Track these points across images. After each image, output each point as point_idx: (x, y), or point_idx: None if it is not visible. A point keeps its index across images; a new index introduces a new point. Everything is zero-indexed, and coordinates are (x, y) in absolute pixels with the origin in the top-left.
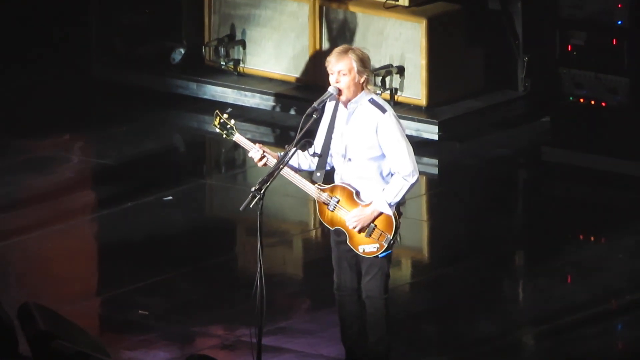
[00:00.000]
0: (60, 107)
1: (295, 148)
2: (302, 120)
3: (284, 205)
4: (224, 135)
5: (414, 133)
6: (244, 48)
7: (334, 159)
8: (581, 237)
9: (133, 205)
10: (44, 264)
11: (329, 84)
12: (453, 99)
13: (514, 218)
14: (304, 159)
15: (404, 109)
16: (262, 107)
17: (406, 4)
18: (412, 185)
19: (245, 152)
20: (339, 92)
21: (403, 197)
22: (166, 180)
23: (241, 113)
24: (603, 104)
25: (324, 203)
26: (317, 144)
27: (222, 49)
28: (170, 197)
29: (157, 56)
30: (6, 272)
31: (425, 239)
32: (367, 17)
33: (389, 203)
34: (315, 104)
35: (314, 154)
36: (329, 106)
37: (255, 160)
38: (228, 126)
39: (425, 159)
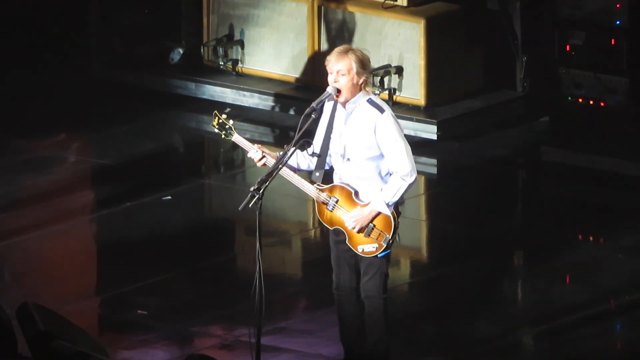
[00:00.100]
0: (60, 107)
1: (294, 148)
2: (300, 120)
3: (283, 205)
4: (223, 136)
5: (412, 133)
6: (243, 48)
7: (333, 159)
8: (580, 237)
9: (132, 205)
10: (43, 264)
11: (328, 84)
12: (452, 99)
13: (513, 218)
14: (303, 159)
15: (402, 109)
16: (261, 107)
17: (405, 4)
18: (410, 185)
19: (244, 152)
20: (338, 92)
21: (401, 197)
22: (165, 180)
23: (240, 113)
24: (602, 104)
25: (323, 203)
26: (316, 144)
27: (221, 49)
28: (170, 197)
29: (156, 56)
30: (5, 272)
31: (424, 238)
32: (365, 17)
33: (387, 203)
34: (314, 104)
35: (313, 154)
36: (328, 106)
37: (255, 160)
38: (227, 126)
39: (424, 159)
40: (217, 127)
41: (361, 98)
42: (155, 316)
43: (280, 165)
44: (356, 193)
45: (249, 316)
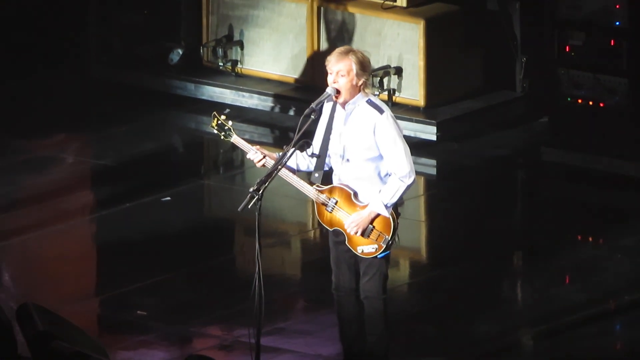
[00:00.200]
0: (60, 107)
1: (293, 149)
2: (300, 121)
3: (283, 205)
4: (222, 137)
5: (412, 134)
6: (242, 49)
7: (332, 160)
8: (580, 237)
9: (132, 206)
10: (43, 265)
11: (327, 85)
12: (451, 100)
13: (512, 218)
14: (302, 160)
15: (402, 110)
16: (260, 107)
17: (404, 4)
18: (408, 187)
19: (243, 152)
20: (337, 93)
21: (400, 198)
22: (165, 180)
23: (239, 114)
24: (601, 105)
25: (323, 204)
26: (315, 145)
27: (220, 49)
28: (169, 198)
29: (156, 57)
30: (5, 273)
31: (424, 239)
32: (365, 18)
33: (386, 204)
34: (313, 105)
35: (312, 155)
36: (327, 107)
37: (255, 161)
38: (226, 127)
39: (424, 160)
40: (216, 128)
41: (360, 99)
42: (155, 317)
43: (279, 166)
44: (355, 194)
45: (248, 317)
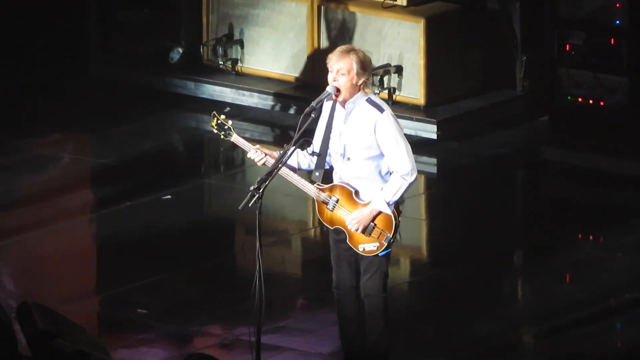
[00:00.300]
0: (60, 107)
1: (294, 147)
2: (300, 120)
3: (283, 204)
4: (222, 137)
5: (412, 132)
6: (242, 47)
7: (333, 159)
8: (580, 236)
9: (132, 205)
10: (43, 263)
11: (328, 83)
12: (451, 99)
13: (512, 217)
14: (303, 158)
15: (402, 109)
16: (260, 106)
17: (404, 3)
18: (410, 184)
19: (244, 151)
20: (337, 91)
21: (401, 196)
22: (165, 179)
23: (240, 112)
24: (601, 104)
25: (323, 202)
26: (316, 144)
27: (220, 48)
28: (169, 197)
29: (156, 55)
30: (5, 271)
31: (424, 238)
32: (365, 17)
33: (388, 202)
34: (313, 103)
35: (313, 153)
36: (326, 106)
37: (256, 160)
38: (226, 127)
39: (424, 159)
40: (216, 127)
41: (360, 98)
42: (155, 315)
43: (280, 165)
44: (356, 192)
45: (248, 315)
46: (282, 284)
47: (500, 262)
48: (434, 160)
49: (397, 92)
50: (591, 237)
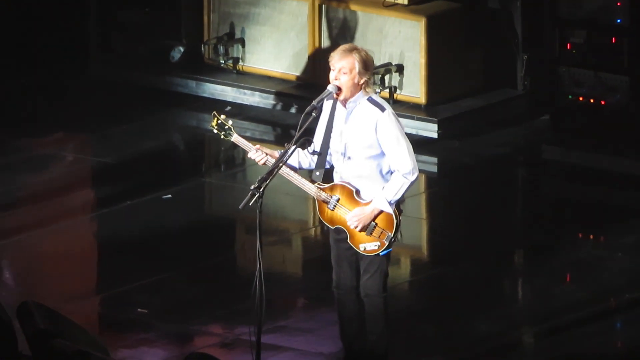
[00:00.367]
0: (60, 106)
1: (294, 146)
2: (301, 119)
3: (284, 203)
4: (222, 136)
5: (413, 131)
6: (243, 46)
7: (333, 158)
8: (580, 235)
9: (132, 204)
10: (43, 263)
11: (329, 82)
12: (452, 97)
13: (513, 217)
14: (304, 157)
15: (403, 107)
16: (261, 105)
17: (405, 2)
18: (412, 183)
19: (244, 150)
20: (338, 90)
21: (403, 195)
22: (165, 178)
23: (240, 111)
24: (602, 103)
25: (324, 202)
26: (316, 143)
27: (222, 47)
28: (170, 196)
29: (157, 54)
30: (5, 271)
31: (425, 237)
32: (366, 16)
33: (389, 201)
34: (314, 102)
35: (314, 153)
36: (327, 105)
37: (256, 160)
38: (226, 127)
39: (425, 157)
40: (216, 127)
41: (361, 97)
42: (156, 315)
43: (280, 164)
44: (357, 192)
45: (249, 315)
46: (283, 283)
47: (500, 262)
48: (434, 159)
49: (398, 91)
50: (591, 237)
